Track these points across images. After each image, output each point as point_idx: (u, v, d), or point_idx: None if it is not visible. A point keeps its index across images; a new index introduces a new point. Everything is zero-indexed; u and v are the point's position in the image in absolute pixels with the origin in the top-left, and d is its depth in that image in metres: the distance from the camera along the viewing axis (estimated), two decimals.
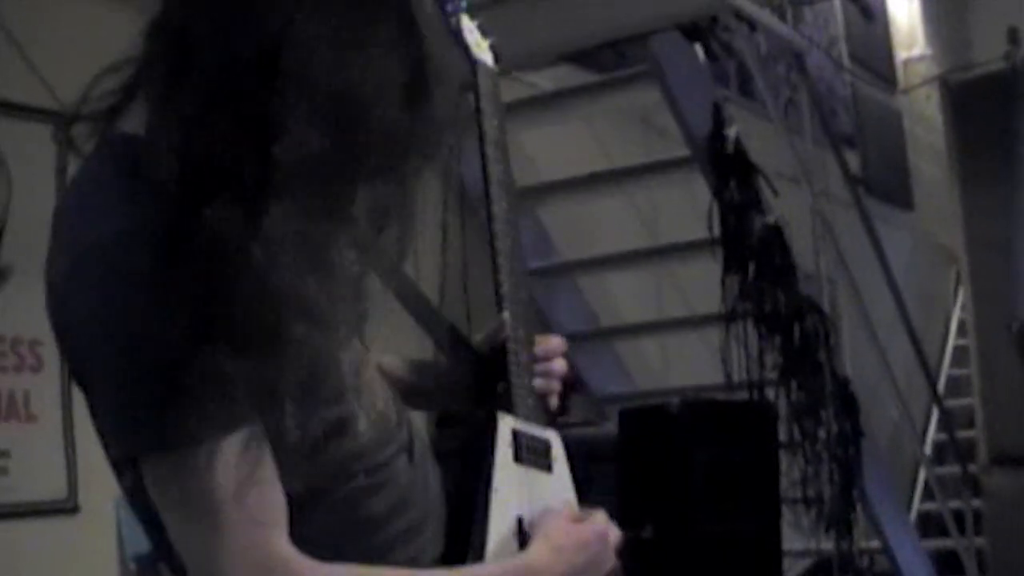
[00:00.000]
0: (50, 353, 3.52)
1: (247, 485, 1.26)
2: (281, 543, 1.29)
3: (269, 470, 1.29)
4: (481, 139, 1.68)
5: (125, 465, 1.33)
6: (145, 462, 1.28)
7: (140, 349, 1.24)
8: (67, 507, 3.49)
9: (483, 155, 1.68)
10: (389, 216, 1.35)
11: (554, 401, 1.74)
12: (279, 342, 1.24)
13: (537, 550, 1.48)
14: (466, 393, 1.65)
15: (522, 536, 1.52)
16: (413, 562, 1.44)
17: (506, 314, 1.63)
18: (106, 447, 1.36)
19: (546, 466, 1.62)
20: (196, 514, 1.27)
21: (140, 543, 3.59)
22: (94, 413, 1.36)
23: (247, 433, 1.26)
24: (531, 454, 1.59)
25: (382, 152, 1.31)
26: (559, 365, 1.73)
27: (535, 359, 1.68)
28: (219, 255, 1.22)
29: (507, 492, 1.53)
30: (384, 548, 1.43)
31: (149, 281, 1.23)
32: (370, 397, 1.46)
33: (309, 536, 1.32)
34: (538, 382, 1.68)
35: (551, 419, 1.69)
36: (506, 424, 1.57)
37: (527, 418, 1.60)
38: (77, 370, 1.35)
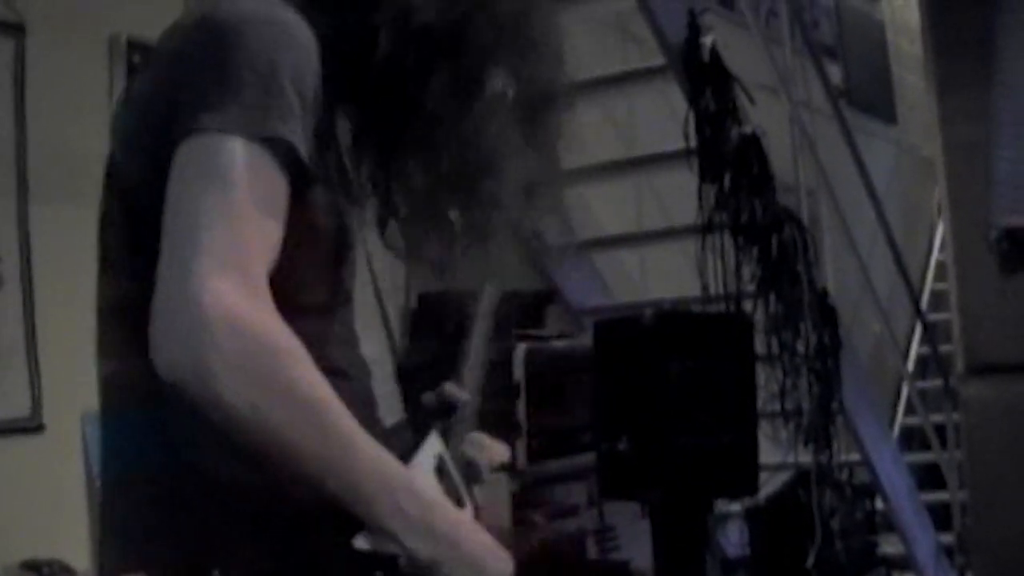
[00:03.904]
0: (10, 271, 3.48)
1: (268, 210, 1.34)
2: (262, 273, 1.32)
3: (281, 223, 1.37)
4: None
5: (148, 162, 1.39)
6: (199, 137, 1.34)
7: (254, 52, 1.37)
8: (31, 426, 3.45)
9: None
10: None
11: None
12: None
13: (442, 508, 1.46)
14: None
15: None
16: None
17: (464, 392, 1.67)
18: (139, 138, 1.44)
19: (459, 501, 1.58)
20: (212, 196, 1.31)
21: None
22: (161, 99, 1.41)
23: (292, 174, 1.38)
24: (449, 483, 1.56)
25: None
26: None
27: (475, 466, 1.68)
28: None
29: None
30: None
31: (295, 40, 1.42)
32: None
33: None
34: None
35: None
36: (437, 442, 1.57)
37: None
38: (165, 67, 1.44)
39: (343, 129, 1.56)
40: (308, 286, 1.42)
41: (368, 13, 1.49)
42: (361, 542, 1.39)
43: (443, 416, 1.63)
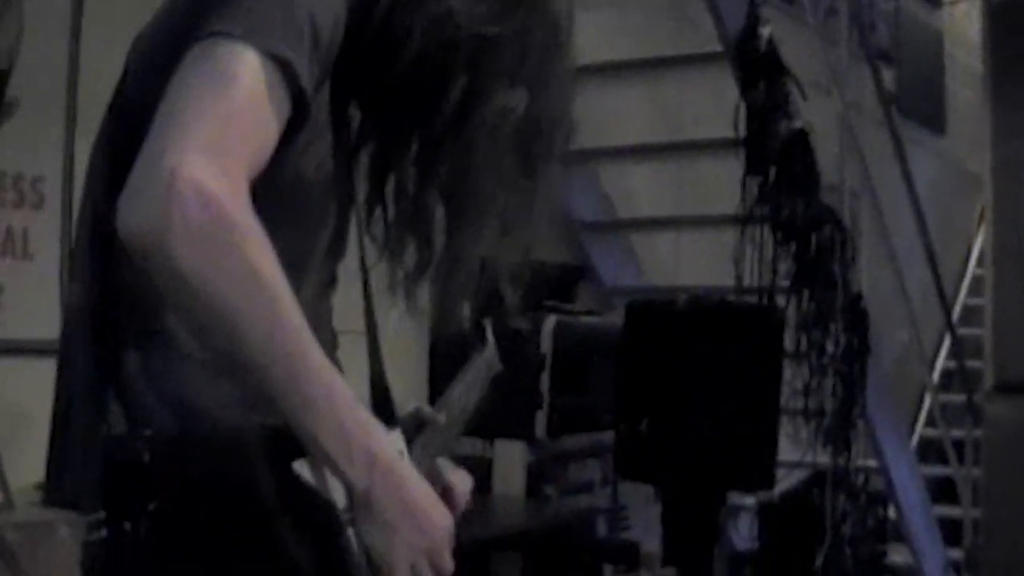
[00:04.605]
0: (52, 190, 3.49)
1: (263, 118, 1.32)
2: (243, 171, 1.29)
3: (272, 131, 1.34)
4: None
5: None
6: (209, 40, 1.32)
7: None
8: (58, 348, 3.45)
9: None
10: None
11: None
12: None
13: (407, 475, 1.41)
14: None
15: None
16: None
17: (442, 416, 1.63)
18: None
19: None
20: (210, 89, 1.29)
21: None
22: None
23: (298, 99, 1.35)
24: None
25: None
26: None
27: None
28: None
29: None
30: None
31: None
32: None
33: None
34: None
35: None
36: (399, 439, 1.54)
37: None
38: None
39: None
40: (278, 238, 1.34)
41: (405, 13, 1.47)
42: (300, 467, 1.35)
43: (412, 431, 1.60)
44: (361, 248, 1.59)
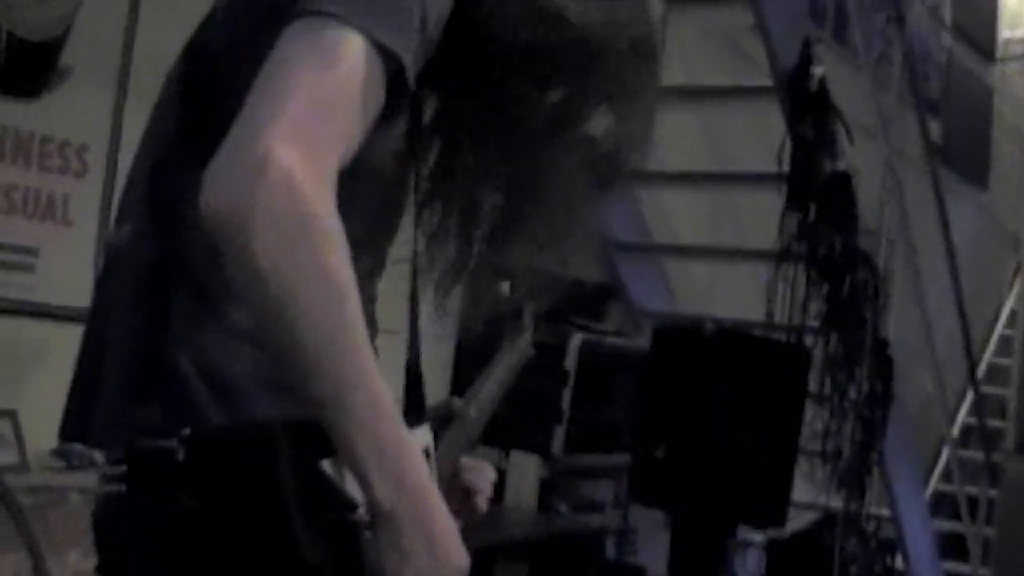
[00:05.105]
0: (96, 160, 3.51)
1: (359, 110, 1.29)
2: (333, 163, 1.27)
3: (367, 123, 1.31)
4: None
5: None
6: (316, 18, 1.29)
7: None
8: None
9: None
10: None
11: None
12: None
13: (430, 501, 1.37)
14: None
15: None
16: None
17: (472, 409, 1.63)
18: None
19: None
20: (310, 72, 1.26)
21: None
22: None
23: (393, 84, 1.32)
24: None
25: None
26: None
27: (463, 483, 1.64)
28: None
29: None
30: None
31: None
32: None
33: None
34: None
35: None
36: (427, 435, 1.52)
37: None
38: None
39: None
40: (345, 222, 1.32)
41: (513, 4, 1.44)
42: (328, 467, 1.33)
43: (440, 424, 1.59)
44: (415, 236, 1.56)
